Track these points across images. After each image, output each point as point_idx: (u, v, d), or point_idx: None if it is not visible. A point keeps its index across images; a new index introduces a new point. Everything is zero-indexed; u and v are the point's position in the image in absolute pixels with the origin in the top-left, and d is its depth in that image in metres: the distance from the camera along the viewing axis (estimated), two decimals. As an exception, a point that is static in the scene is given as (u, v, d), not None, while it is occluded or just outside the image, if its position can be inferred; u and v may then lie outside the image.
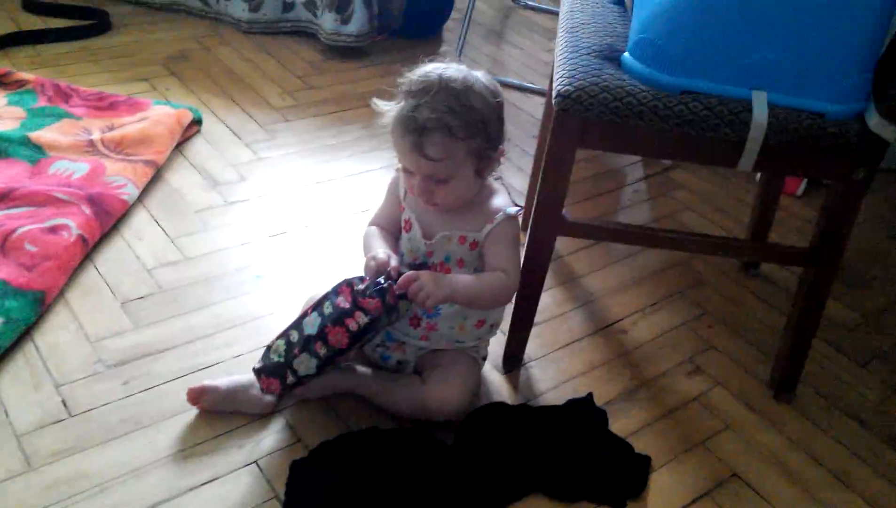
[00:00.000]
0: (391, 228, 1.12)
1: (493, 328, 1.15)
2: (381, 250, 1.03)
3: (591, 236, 1.17)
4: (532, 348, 1.24)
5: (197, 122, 1.66)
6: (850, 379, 1.28)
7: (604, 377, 1.22)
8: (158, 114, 1.58)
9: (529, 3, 2.55)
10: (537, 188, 1.09)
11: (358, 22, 1.99)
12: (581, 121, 1.01)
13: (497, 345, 1.22)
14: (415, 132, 0.95)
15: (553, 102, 1.01)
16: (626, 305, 1.38)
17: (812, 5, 0.94)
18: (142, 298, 1.25)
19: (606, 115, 0.99)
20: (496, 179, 1.10)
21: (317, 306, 1.00)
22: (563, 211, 1.09)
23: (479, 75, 1.00)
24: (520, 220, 1.07)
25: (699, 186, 1.74)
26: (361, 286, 0.98)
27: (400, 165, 1.07)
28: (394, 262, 1.01)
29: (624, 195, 1.70)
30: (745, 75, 0.99)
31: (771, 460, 1.12)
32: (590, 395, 1.16)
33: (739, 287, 1.45)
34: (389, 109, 1.00)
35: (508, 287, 1.06)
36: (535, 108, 1.97)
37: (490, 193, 1.07)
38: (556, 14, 2.51)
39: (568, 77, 1.01)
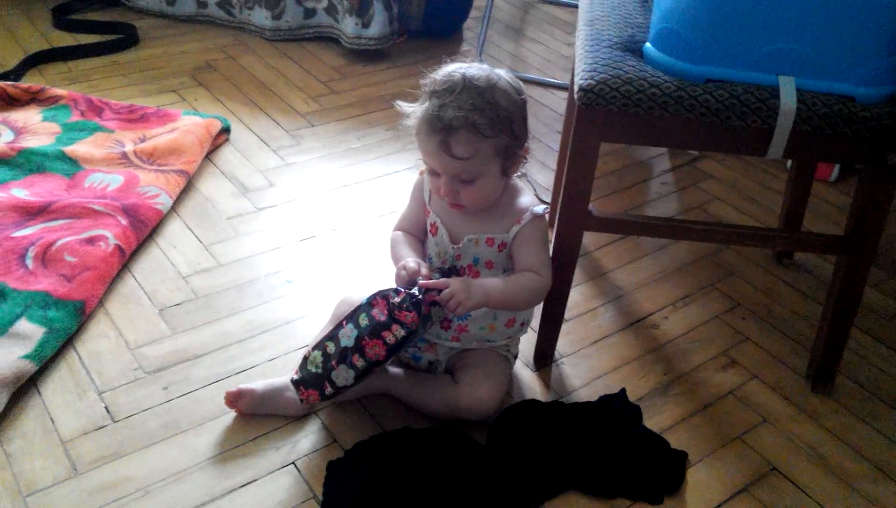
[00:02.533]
0: (417, 232, 1.12)
1: (524, 326, 1.15)
2: (411, 259, 1.03)
3: (619, 231, 1.17)
4: (563, 344, 1.24)
5: (225, 130, 1.68)
6: (890, 368, 1.26)
7: (636, 373, 1.21)
8: (188, 124, 1.62)
9: (550, -2, 2.54)
10: (562, 184, 1.09)
11: (378, 25, 2.00)
12: (604, 114, 1.01)
13: (527, 342, 1.22)
14: (441, 131, 0.95)
15: (575, 96, 1.01)
16: (656, 299, 1.37)
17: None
18: (178, 304, 1.28)
19: (630, 107, 0.99)
20: (521, 176, 1.10)
21: (352, 317, 1.00)
22: (590, 206, 1.08)
23: (502, 73, 1.01)
24: (547, 217, 1.07)
25: (727, 176, 1.72)
26: (397, 299, 0.98)
27: (425, 168, 1.07)
28: (424, 270, 1.01)
29: (651, 188, 1.68)
30: (771, 61, 0.97)
31: (810, 453, 1.10)
32: (623, 391, 1.16)
33: (772, 277, 1.43)
34: (413, 110, 1.00)
35: (542, 287, 1.06)
36: (558, 103, 1.96)
37: (515, 192, 1.07)
38: (576, 8, 2.50)
39: (589, 71, 1.01)
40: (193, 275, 1.34)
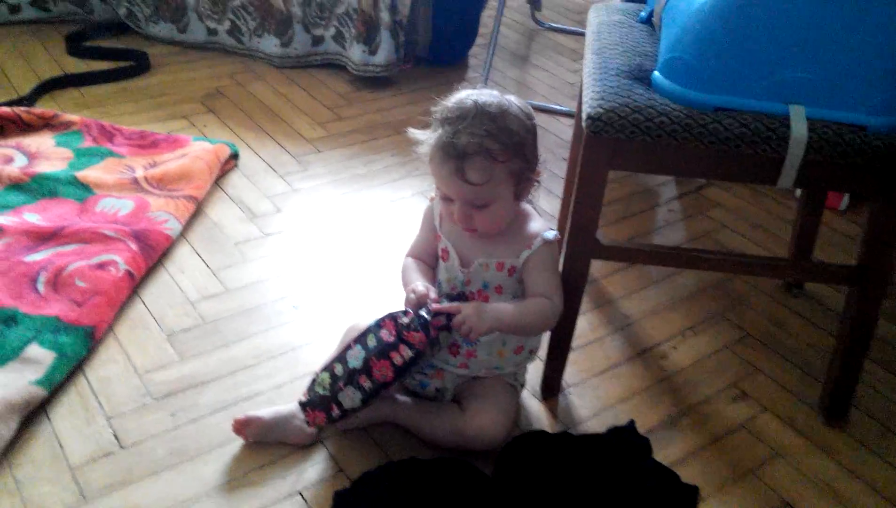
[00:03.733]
0: (428, 258, 1.12)
1: (532, 353, 1.15)
2: (420, 283, 1.04)
3: (627, 259, 1.17)
4: (570, 374, 1.23)
5: (234, 156, 1.69)
6: (903, 399, 1.24)
7: (645, 404, 1.20)
8: (197, 150, 1.63)
9: (554, 25, 2.57)
10: (570, 212, 1.09)
11: (385, 52, 2.02)
12: (612, 142, 1.01)
13: (534, 372, 1.21)
14: (455, 158, 0.96)
15: (583, 124, 1.02)
16: (664, 328, 1.36)
17: (846, 20, 0.93)
18: (186, 330, 1.27)
19: (638, 135, 0.99)
20: (527, 203, 1.11)
21: (360, 338, 1.01)
22: (597, 233, 1.08)
23: (513, 98, 1.02)
24: (557, 243, 1.07)
25: (735, 204, 1.72)
26: (405, 320, 0.99)
27: (435, 195, 1.08)
28: (433, 294, 1.02)
29: (658, 215, 1.68)
30: (781, 90, 0.98)
31: (824, 488, 1.09)
32: (632, 422, 1.14)
33: (783, 307, 1.42)
34: (426, 137, 1.01)
35: (554, 312, 1.06)
36: (564, 130, 1.97)
37: (526, 217, 1.07)
38: (582, 35, 2.55)
39: (597, 99, 1.01)
40: (201, 300, 1.34)
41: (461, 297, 1.07)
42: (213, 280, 1.38)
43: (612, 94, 1.02)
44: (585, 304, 1.38)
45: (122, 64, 2.01)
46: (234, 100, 1.96)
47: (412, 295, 1.02)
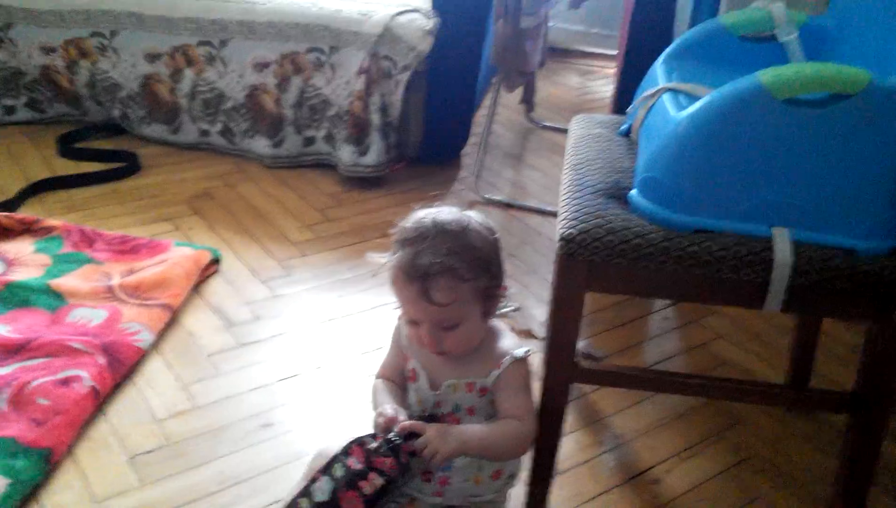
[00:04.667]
0: (399, 379, 1.07)
1: (512, 478, 1.07)
2: (389, 406, 0.99)
3: (609, 383, 1.11)
4: (556, 500, 1.15)
5: (216, 261, 1.67)
6: (916, 532, 1.15)
7: (636, 536, 1.12)
8: (177, 256, 1.60)
9: (548, 124, 2.59)
10: (546, 334, 1.03)
11: (375, 153, 2.02)
12: (588, 264, 0.97)
13: (516, 500, 1.12)
14: (419, 279, 0.93)
15: (557, 247, 0.98)
16: (657, 450, 1.28)
17: (830, 142, 0.90)
18: (149, 452, 1.21)
19: (614, 258, 0.95)
20: (515, 310, 1.06)
21: (327, 468, 0.94)
22: (582, 345, 1.03)
23: (472, 214, 1.00)
24: (530, 361, 1.02)
25: (733, 312, 1.66)
26: (374, 445, 0.93)
27: (402, 316, 1.03)
28: (402, 416, 0.96)
29: (651, 324, 1.62)
30: (764, 212, 0.94)
31: None
32: (620, 559, 1.05)
33: (783, 427, 1.34)
34: (387, 260, 0.98)
35: (524, 435, 1.00)
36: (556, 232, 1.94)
37: (495, 335, 1.03)
38: (577, 134, 2.55)
39: (571, 219, 0.98)
40: (168, 419, 1.27)
41: (433, 419, 1.01)
42: (182, 396, 1.32)
43: (586, 213, 0.98)
44: (574, 421, 1.31)
45: (111, 165, 2.02)
46: (222, 202, 1.95)
47: (380, 419, 0.97)
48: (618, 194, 1.03)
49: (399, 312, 1.04)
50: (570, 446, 1.26)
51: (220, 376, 1.38)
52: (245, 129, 2.14)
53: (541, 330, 1.54)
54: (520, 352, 1.00)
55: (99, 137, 2.19)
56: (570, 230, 0.96)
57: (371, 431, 0.97)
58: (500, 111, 2.58)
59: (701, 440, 1.31)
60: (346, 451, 0.95)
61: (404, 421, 0.95)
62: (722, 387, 1.07)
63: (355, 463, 0.93)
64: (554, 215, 2.05)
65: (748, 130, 0.91)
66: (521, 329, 1.54)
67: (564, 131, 2.57)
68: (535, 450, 1.07)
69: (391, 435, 0.94)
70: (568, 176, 1.10)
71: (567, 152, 1.20)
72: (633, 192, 1.01)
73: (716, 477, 1.23)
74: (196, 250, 1.64)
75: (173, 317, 1.49)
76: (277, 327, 1.51)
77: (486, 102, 2.28)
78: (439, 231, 0.94)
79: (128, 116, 2.19)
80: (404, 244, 0.96)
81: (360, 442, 0.94)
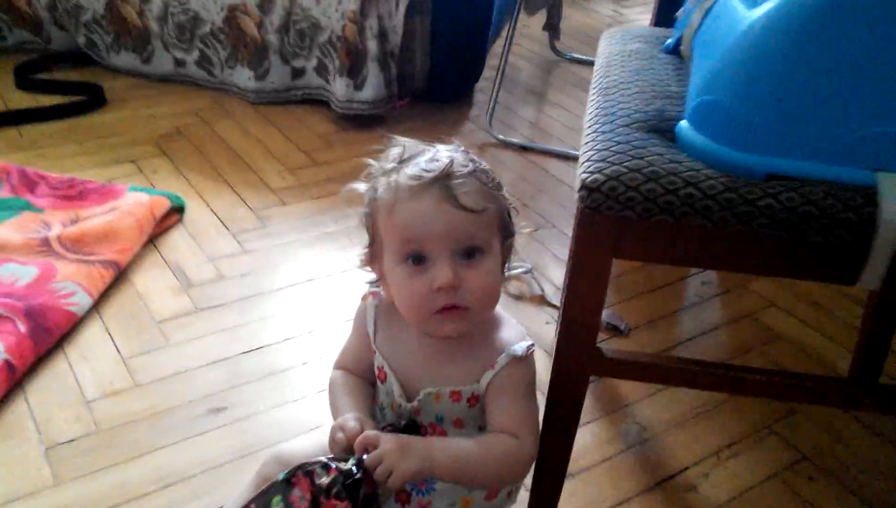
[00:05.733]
0: (363, 371, 0.83)
1: (512, 495, 0.83)
2: (352, 417, 0.74)
3: (639, 377, 0.86)
4: (568, 512, 0.92)
5: (178, 210, 1.43)
6: None
7: (667, 565, 0.89)
8: (130, 203, 1.37)
9: (575, 55, 2.28)
10: (560, 309, 0.78)
11: (372, 87, 1.75)
12: (617, 222, 0.71)
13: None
14: (439, 180, 0.69)
15: (577, 197, 0.72)
16: (693, 447, 1.04)
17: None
18: (71, 441, 0.99)
19: (655, 214, 0.69)
20: (526, 272, 0.80)
21: (261, 499, 0.71)
22: (608, 319, 0.78)
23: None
24: (533, 358, 0.77)
25: (786, 274, 1.40)
26: (325, 480, 0.68)
27: (368, 292, 0.80)
28: (369, 430, 0.72)
29: (688, 289, 1.37)
30: (866, 151, 0.67)
31: None
32: None
33: (847, 418, 1.09)
34: (376, 184, 0.73)
35: (519, 456, 0.74)
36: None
37: (493, 324, 0.77)
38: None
39: (597, 160, 0.72)
40: (100, 399, 1.06)
41: (412, 428, 0.77)
42: (120, 371, 1.10)
43: (618, 152, 0.72)
44: (589, 410, 1.08)
45: (72, 99, 1.77)
46: (194, 141, 1.71)
47: (339, 435, 0.72)
48: (662, 127, 0.77)
49: (364, 291, 0.80)
50: (584, 440, 1.03)
51: (170, 347, 1.15)
52: (225, 58, 1.87)
53: (556, 296, 1.29)
54: (519, 348, 0.74)
55: (63, 67, 1.94)
56: (595, 176, 0.70)
57: (326, 452, 0.73)
58: (519, 41, 2.29)
59: (746, 434, 1.07)
60: (289, 479, 0.70)
61: (371, 434, 0.71)
62: (779, 384, 0.81)
63: (299, 500, 0.69)
64: (577, 159, 1.79)
65: (854, 30, 0.64)
66: (533, 295, 1.30)
67: (592, 64, 2.30)
68: (542, 455, 0.83)
69: (350, 464, 0.69)
70: (595, 104, 0.83)
71: (596, 74, 0.93)
72: (683, 123, 0.74)
73: (766, 482, 0.99)
74: (153, 196, 1.40)
75: (120, 275, 1.27)
76: (245, 288, 1.28)
77: (505, 30, 1.98)
78: (440, 149, 0.73)
79: (94, 43, 1.93)
80: (399, 163, 0.72)
81: (308, 471, 0.69)
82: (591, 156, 0.73)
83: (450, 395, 0.75)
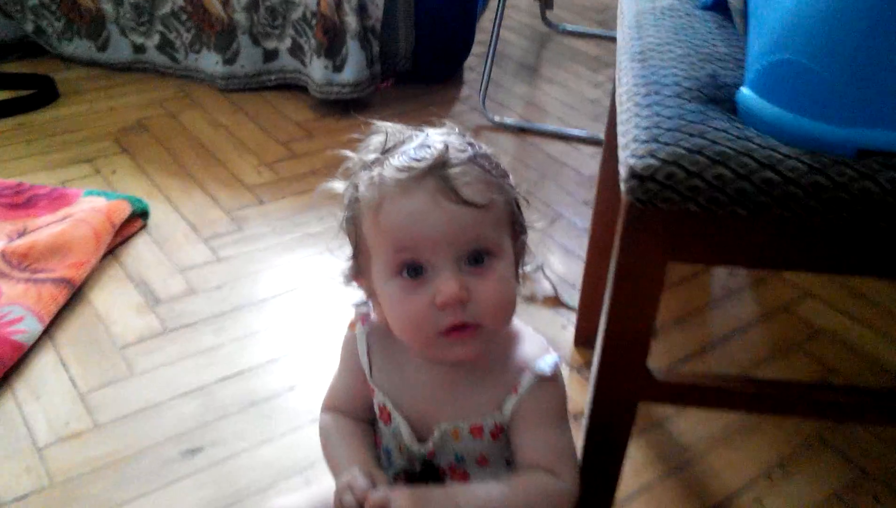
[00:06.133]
0: (359, 411, 0.68)
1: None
2: (359, 472, 0.59)
3: (699, 402, 0.71)
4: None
5: (142, 214, 1.27)
6: None
7: None
8: (85, 210, 1.20)
9: (570, 27, 2.12)
10: (602, 324, 0.64)
11: (353, 68, 1.59)
12: (675, 217, 0.56)
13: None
14: (434, 170, 0.55)
15: (623, 187, 0.57)
16: (739, 467, 0.91)
17: None
18: (21, 499, 0.84)
19: (724, 204, 0.54)
20: (535, 270, 0.66)
21: None
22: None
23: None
24: (562, 376, 0.63)
25: (823, 258, 1.26)
26: None
27: (355, 318, 0.65)
28: (377, 493, 0.57)
29: (715, 279, 1.23)
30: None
31: None
32: None
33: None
34: (357, 180, 0.59)
35: (561, 497, 0.61)
36: (585, 162, 1.53)
37: (511, 337, 0.63)
38: (605, 39, 2.08)
39: (646, 141, 0.57)
40: (54, 445, 0.90)
41: (429, 473, 0.63)
42: (78, 410, 0.95)
43: (671, 130, 0.57)
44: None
45: (20, 94, 1.60)
46: (159, 136, 1.54)
47: (347, 497, 0.58)
48: (718, 96, 0.62)
49: (353, 315, 0.66)
50: (622, 466, 0.89)
51: (135, 377, 1.00)
52: (189, 41, 1.70)
53: (571, 297, 1.15)
54: (545, 366, 0.61)
55: (10, 59, 1.76)
56: (648, 161, 0.55)
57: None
58: (510, 14, 2.13)
59: (798, 449, 0.94)
60: None
61: (378, 495, 0.56)
62: (849, 405, 0.67)
63: None
64: (580, 140, 1.64)
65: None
66: (545, 296, 1.16)
67: (591, 36, 2.14)
68: (581, 499, 0.69)
69: None
70: (630, 72, 0.68)
71: (623, 37, 0.77)
72: (744, 90, 0.60)
73: (825, 505, 0.86)
74: (111, 200, 1.24)
75: (75, 295, 1.11)
76: (220, 303, 1.13)
77: (493, 3, 1.82)
78: (432, 134, 0.59)
79: (43, 30, 1.75)
80: (385, 153, 0.57)
81: None
82: (637, 136, 0.58)
83: (470, 430, 0.61)
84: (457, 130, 0.61)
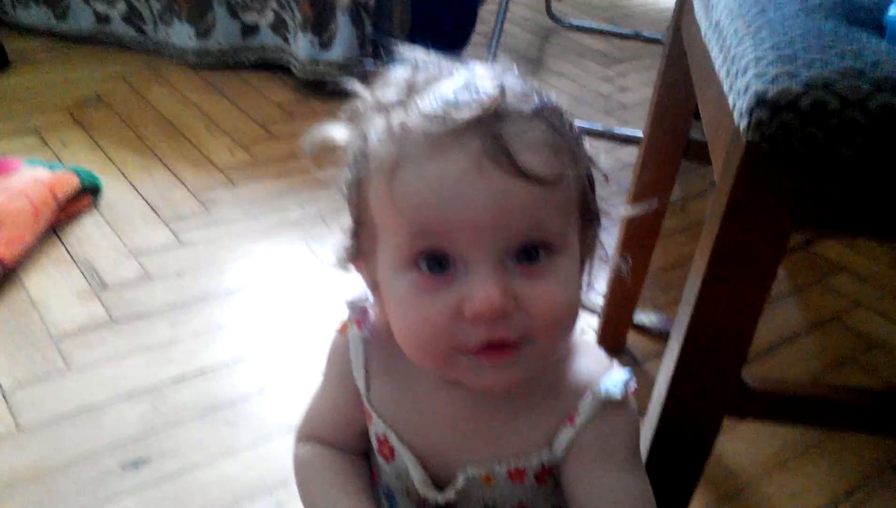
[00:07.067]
0: (349, 441, 0.50)
1: None
2: None
3: (797, 419, 0.56)
4: None
5: (92, 190, 1.09)
6: None
7: None
8: (25, 181, 1.02)
9: (576, 22, 2.00)
10: (684, 317, 0.49)
11: (342, 45, 1.44)
12: (813, 168, 0.42)
13: None
14: (483, 124, 0.37)
15: (741, 124, 0.42)
16: (804, 495, 0.77)
17: None
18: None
19: (890, 149, 0.40)
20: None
21: None
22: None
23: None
24: (634, 402, 0.46)
25: (865, 267, 1.13)
26: None
27: (345, 322, 0.49)
28: None
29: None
30: None
31: None
32: None
33: None
34: (365, 129, 0.41)
35: None
36: (597, 156, 1.38)
37: (566, 351, 0.46)
38: (614, 36, 1.97)
39: (778, 60, 0.42)
40: (-38, 456, 0.72)
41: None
42: (0, 410, 0.77)
43: (815, 51, 0.43)
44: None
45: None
46: (119, 110, 1.36)
47: None
48: (859, 17, 0.48)
49: (341, 317, 0.49)
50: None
51: (71, 373, 0.82)
52: (159, 11, 1.53)
53: (588, 297, 1.00)
54: (613, 387, 0.44)
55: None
56: (786, 82, 0.40)
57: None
58: (512, 8, 2.01)
59: (868, 477, 0.80)
60: None
61: None
62: None
63: None
64: (592, 133, 1.50)
65: None
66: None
67: (599, 32, 2.03)
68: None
69: None
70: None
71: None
72: None
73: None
74: (56, 171, 1.06)
75: (6, 276, 0.93)
76: (179, 292, 0.95)
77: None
78: (485, 69, 0.41)
79: (-4, -6, 1.57)
80: (415, 91, 0.40)
81: None
82: (763, 55, 0.43)
83: (508, 475, 0.44)
84: (515, 69, 0.43)
